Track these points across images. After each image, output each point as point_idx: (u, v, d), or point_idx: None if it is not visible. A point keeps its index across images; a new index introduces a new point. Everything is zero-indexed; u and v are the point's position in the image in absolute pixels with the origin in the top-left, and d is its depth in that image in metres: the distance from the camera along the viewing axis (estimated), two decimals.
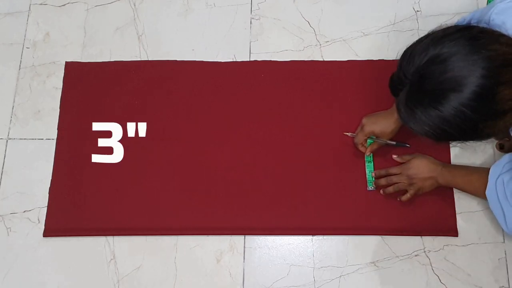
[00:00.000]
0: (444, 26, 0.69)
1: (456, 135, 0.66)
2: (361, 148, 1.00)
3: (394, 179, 0.97)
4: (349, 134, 1.02)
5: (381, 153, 1.02)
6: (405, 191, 0.98)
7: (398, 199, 0.98)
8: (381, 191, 0.99)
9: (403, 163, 0.99)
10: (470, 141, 0.69)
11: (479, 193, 0.87)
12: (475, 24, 0.70)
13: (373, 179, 1.01)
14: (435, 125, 0.65)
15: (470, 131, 0.65)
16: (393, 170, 0.98)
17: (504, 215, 0.82)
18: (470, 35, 0.64)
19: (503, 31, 0.68)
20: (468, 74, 0.61)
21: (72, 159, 1.06)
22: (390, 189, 0.98)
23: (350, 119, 1.05)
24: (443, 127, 0.65)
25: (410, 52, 0.68)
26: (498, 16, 0.75)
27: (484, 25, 0.70)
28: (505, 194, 0.81)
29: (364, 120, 0.99)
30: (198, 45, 1.14)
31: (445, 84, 0.63)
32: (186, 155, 1.05)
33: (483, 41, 0.63)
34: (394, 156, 1.00)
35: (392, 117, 0.95)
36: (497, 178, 0.83)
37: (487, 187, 0.84)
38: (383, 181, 0.99)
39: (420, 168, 0.95)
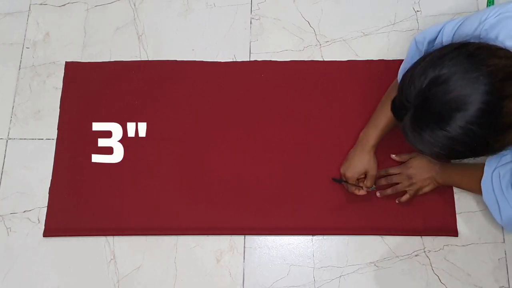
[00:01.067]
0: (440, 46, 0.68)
1: (467, 153, 0.66)
2: (360, 192, 0.98)
3: (394, 179, 0.98)
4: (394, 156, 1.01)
5: (380, 153, 1.01)
6: (403, 193, 0.98)
7: (397, 201, 0.98)
8: (378, 194, 0.99)
9: (402, 163, 0.99)
10: (481, 157, 0.68)
11: (475, 188, 0.87)
12: (468, 41, 0.69)
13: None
14: (444, 145, 0.65)
15: (480, 148, 0.65)
16: (393, 170, 0.99)
17: (498, 207, 0.82)
18: (468, 53, 0.64)
19: (499, 45, 0.67)
20: (471, 92, 0.61)
21: (72, 159, 1.06)
22: (389, 191, 0.98)
23: (350, 119, 1.05)
24: (452, 146, 0.64)
25: (410, 76, 0.67)
26: (488, 32, 0.74)
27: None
28: (500, 187, 0.81)
29: (342, 170, 0.99)
30: (198, 45, 1.14)
31: (450, 104, 0.62)
32: (186, 155, 1.05)
33: (481, 57, 0.63)
34: (393, 156, 1.00)
35: (363, 151, 0.96)
36: (493, 171, 0.83)
37: (483, 178, 0.85)
38: (383, 181, 0.99)
39: (419, 168, 0.96)
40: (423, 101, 0.65)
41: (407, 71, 0.69)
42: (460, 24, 0.80)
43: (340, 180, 0.99)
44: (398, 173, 0.98)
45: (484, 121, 0.61)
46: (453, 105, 0.62)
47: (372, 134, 0.96)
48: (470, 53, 0.64)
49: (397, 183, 0.98)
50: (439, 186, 0.97)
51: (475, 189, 0.88)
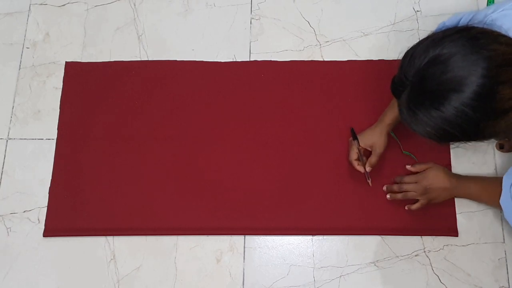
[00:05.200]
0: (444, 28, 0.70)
1: (458, 136, 0.66)
2: (358, 167, 0.98)
3: (408, 187, 0.96)
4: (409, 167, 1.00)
5: (393, 160, 1.01)
6: (414, 200, 0.96)
7: (407, 208, 0.97)
8: (388, 196, 0.98)
9: (417, 172, 0.98)
10: (473, 142, 0.69)
11: (495, 203, 0.86)
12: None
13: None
14: (437, 126, 0.65)
15: (472, 131, 0.65)
16: (409, 179, 0.97)
17: None
18: (469, 36, 0.64)
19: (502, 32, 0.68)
20: (469, 74, 0.62)
21: (72, 159, 1.06)
22: (399, 196, 0.97)
23: (350, 119, 1.05)
24: (445, 127, 0.65)
25: (411, 54, 0.68)
26: (492, 24, 0.75)
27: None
28: None
29: (351, 139, 1.00)
30: (198, 45, 1.14)
31: (446, 84, 0.63)
32: (186, 155, 1.05)
33: (482, 41, 0.63)
34: (408, 167, 0.99)
35: (376, 127, 0.97)
36: (510, 186, 0.82)
37: (501, 195, 0.84)
38: (395, 188, 0.98)
39: (436, 179, 0.94)
40: (420, 79, 0.66)
41: (409, 49, 0.70)
42: (473, 16, 0.82)
43: (354, 134, 0.98)
44: (413, 182, 0.96)
45: (478, 104, 0.62)
46: (450, 85, 0.63)
47: (389, 115, 0.95)
48: (472, 36, 0.64)
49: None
50: (453, 197, 0.97)
51: (497, 205, 0.86)
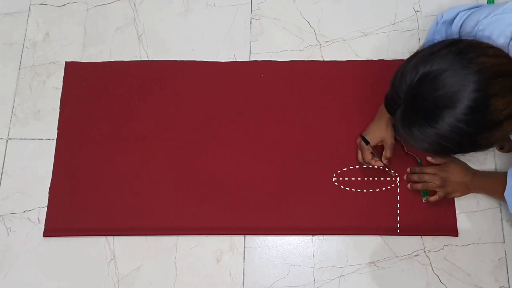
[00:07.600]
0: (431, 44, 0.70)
1: (455, 149, 0.67)
2: (377, 163, 0.98)
3: (426, 177, 0.96)
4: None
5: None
6: (432, 192, 0.97)
7: (424, 200, 0.98)
8: (408, 186, 0.99)
9: (437, 165, 0.98)
10: (470, 153, 0.70)
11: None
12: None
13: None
14: (432, 141, 0.66)
15: (467, 144, 0.66)
16: (428, 170, 0.97)
17: None
18: (458, 50, 0.65)
19: (492, 43, 0.68)
20: (460, 89, 0.62)
21: (72, 159, 1.06)
22: (419, 186, 0.97)
23: (350, 119, 1.05)
24: (440, 142, 0.66)
25: (401, 72, 0.68)
26: (483, 32, 0.76)
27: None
28: None
29: (359, 139, 0.99)
30: (198, 45, 1.14)
31: (439, 101, 0.63)
32: (186, 155, 1.05)
33: (471, 55, 0.64)
34: (429, 158, 0.99)
35: (381, 120, 0.96)
36: None
37: (506, 189, 0.84)
38: (415, 177, 0.98)
39: (455, 173, 0.95)
40: (413, 97, 0.66)
41: (399, 67, 0.70)
42: (467, 16, 0.82)
43: (366, 140, 0.96)
44: (433, 173, 0.96)
45: (472, 119, 0.63)
46: (442, 102, 0.63)
47: None
48: (460, 51, 0.65)
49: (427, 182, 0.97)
50: (470, 193, 0.97)
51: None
